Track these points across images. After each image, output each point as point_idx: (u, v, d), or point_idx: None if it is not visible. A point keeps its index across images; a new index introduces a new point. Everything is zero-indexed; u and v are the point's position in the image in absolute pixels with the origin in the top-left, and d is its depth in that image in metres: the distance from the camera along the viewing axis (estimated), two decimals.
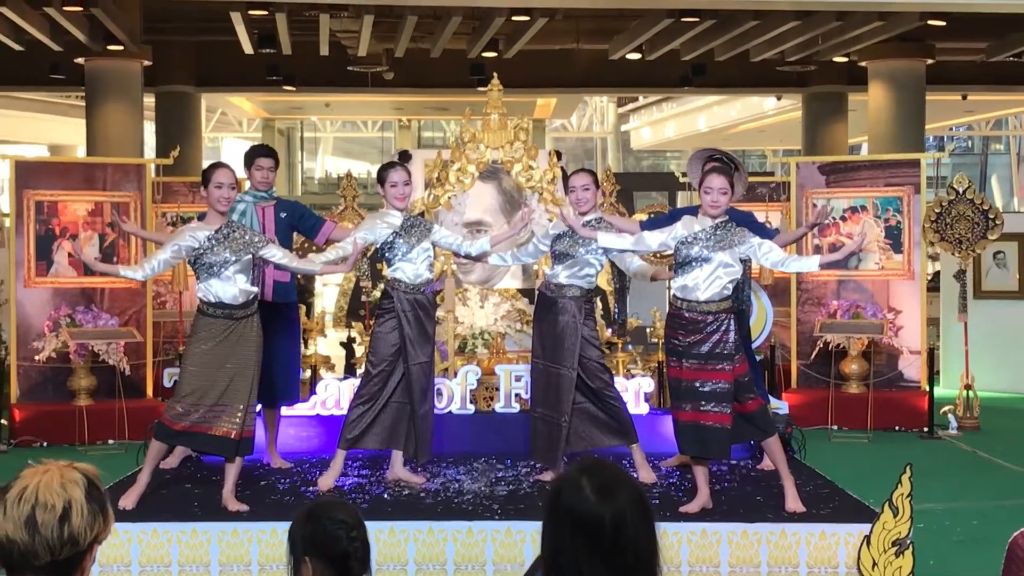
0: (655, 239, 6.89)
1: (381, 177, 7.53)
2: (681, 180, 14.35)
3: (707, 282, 6.63)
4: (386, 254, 7.45)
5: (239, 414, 6.71)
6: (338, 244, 7.44)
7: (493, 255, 7.85)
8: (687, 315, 6.66)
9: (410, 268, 7.36)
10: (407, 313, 7.33)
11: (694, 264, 6.64)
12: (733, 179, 6.88)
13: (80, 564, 2.54)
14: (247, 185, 8.09)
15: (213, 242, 6.74)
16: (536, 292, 7.83)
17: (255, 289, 6.95)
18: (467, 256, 7.82)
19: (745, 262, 7.33)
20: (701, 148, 8.52)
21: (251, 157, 8.02)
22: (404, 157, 10.47)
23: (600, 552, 2.47)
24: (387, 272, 7.53)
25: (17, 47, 16.68)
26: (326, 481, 7.26)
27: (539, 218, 9.63)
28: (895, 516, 5.84)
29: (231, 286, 6.75)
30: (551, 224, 7.85)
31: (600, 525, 2.47)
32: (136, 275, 7.03)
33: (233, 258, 6.75)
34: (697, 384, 6.63)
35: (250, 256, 6.84)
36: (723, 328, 6.63)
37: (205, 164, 22.24)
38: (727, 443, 6.68)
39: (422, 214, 8.15)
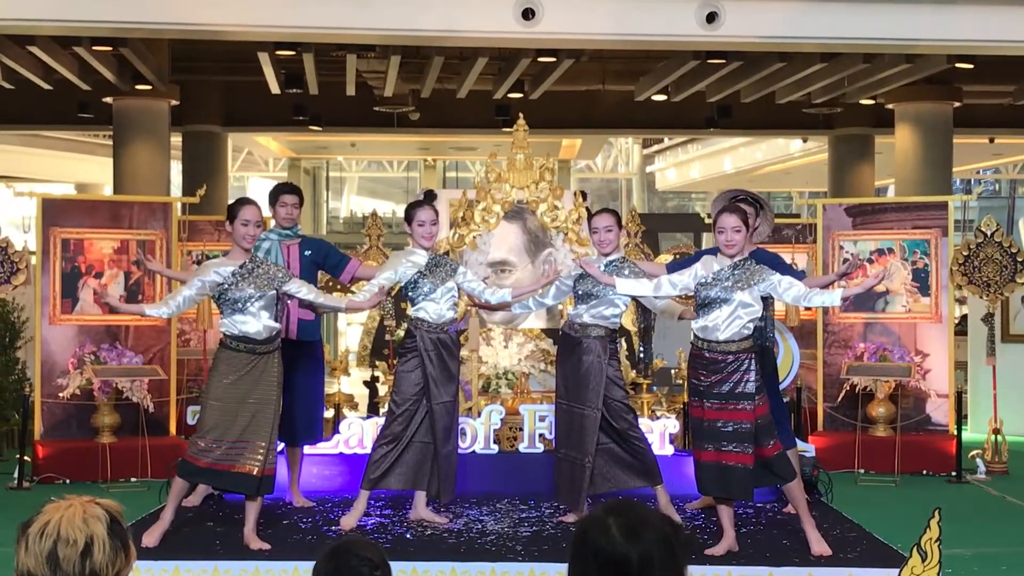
0: (675, 283, 6.87)
1: (409, 215, 7.52)
2: (706, 221, 14.30)
3: (727, 322, 6.60)
4: (409, 293, 7.44)
5: (261, 451, 6.69)
6: (366, 288, 7.43)
7: (516, 304, 7.83)
8: (707, 355, 6.64)
9: (433, 307, 7.35)
10: (429, 352, 7.31)
11: (714, 305, 6.63)
12: (749, 217, 6.85)
13: None
14: (272, 223, 8.11)
15: (237, 278, 6.74)
16: (560, 332, 7.79)
17: (278, 325, 6.95)
18: (486, 303, 7.80)
19: (767, 300, 7.30)
20: (727, 189, 8.50)
21: (275, 194, 8.05)
22: (429, 196, 10.47)
23: None
24: (410, 311, 7.51)
25: (46, 86, 16.80)
26: (349, 521, 7.22)
27: (564, 258, 9.60)
28: (923, 561, 5.76)
29: (255, 321, 6.75)
30: (573, 265, 7.84)
31: (627, 565, 2.43)
32: (161, 312, 7.02)
33: (257, 293, 6.75)
34: (719, 424, 6.59)
35: (274, 292, 6.84)
36: (744, 368, 6.59)
37: (231, 202, 22.31)
38: (749, 483, 6.62)
39: (447, 253, 8.13)
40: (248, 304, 6.73)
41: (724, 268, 6.66)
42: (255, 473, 6.67)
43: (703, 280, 6.68)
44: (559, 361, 7.63)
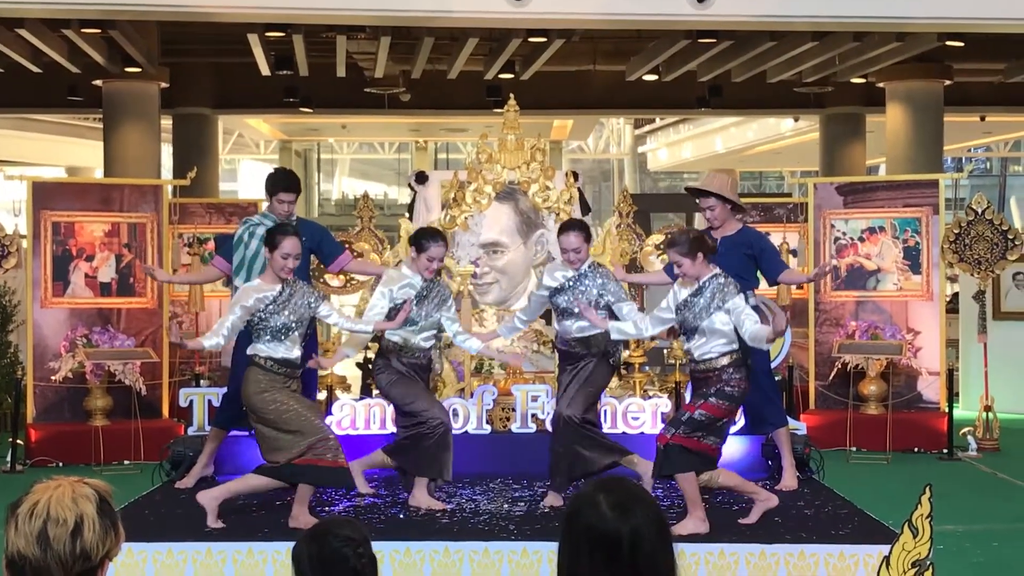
0: (663, 319, 6.93)
1: (421, 245, 7.36)
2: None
3: (700, 346, 6.67)
4: (391, 315, 7.41)
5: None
6: (369, 314, 7.35)
7: (503, 327, 7.82)
8: (694, 375, 6.74)
9: (410, 338, 7.35)
10: (402, 371, 7.33)
11: (690, 333, 6.71)
12: (686, 250, 6.75)
13: None
14: (263, 206, 8.12)
15: (278, 305, 6.74)
16: (556, 348, 7.73)
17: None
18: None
19: (750, 278, 7.57)
20: (688, 187, 8.57)
21: (274, 189, 8.02)
22: (421, 178, 10.44)
23: (618, 569, 2.44)
24: (386, 333, 7.45)
25: (35, 69, 16.74)
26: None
27: (555, 238, 9.59)
28: (915, 537, 5.78)
29: (296, 348, 6.79)
30: (544, 272, 7.77)
31: (617, 542, 2.44)
32: (216, 344, 6.80)
33: (297, 321, 6.76)
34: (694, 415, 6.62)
35: (310, 318, 6.89)
36: (725, 378, 6.61)
37: (224, 185, 22.14)
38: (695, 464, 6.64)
39: (438, 277, 7.88)
40: (289, 332, 6.74)
41: (689, 296, 6.72)
42: (343, 463, 6.71)
43: (678, 307, 6.75)
44: (561, 372, 7.65)
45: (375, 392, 9.77)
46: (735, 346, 6.67)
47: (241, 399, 6.86)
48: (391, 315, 7.33)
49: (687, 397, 6.86)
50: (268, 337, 6.74)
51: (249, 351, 6.84)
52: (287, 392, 6.73)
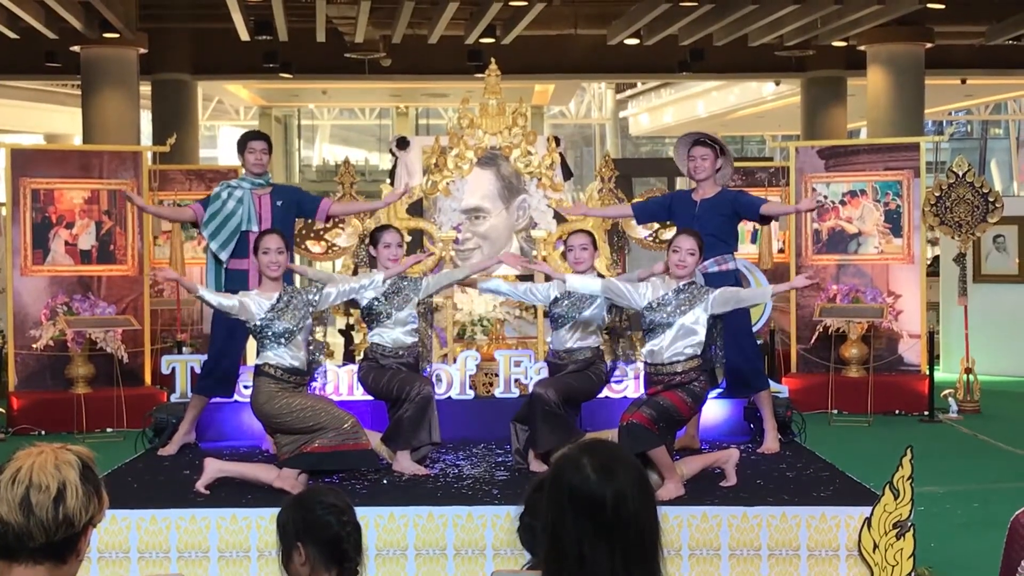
0: (625, 289, 6.87)
1: (374, 238, 7.52)
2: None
3: (670, 344, 6.64)
4: (365, 316, 7.42)
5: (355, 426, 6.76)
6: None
7: (498, 283, 7.75)
8: (656, 377, 6.68)
9: (388, 334, 7.37)
10: (391, 367, 7.32)
11: (658, 330, 6.68)
12: (702, 244, 6.82)
13: (75, 546, 2.52)
14: (243, 171, 8.11)
15: (277, 312, 6.70)
16: (546, 362, 7.72)
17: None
18: (463, 280, 7.82)
19: (728, 253, 7.78)
20: (688, 132, 8.50)
21: (243, 141, 8.08)
22: (402, 143, 10.42)
23: (601, 531, 2.44)
24: (367, 336, 7.47)
25: (12, 35, 16.63)
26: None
27: (537, 203, 9.58)
28: (896, 499, 5.82)
29: (301, 354, 6.77)
30: (550, 285, 7.73)
31: (601, 503, 2.45)
32: (204, 293, 6.79)
33: (298, 326, 6.73)
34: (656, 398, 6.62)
35: (311, 319, 6.85)
36: (691, 380, 6.61)
37: (204, 151, 21.97)
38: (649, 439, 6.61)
39: (405, 277, 7.84)
40: (291, 338, 6.71)
41: (668, 293, 6.71)
42: (365, 445, 6.73)
43: (650, 303, 6.72)
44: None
45: (358, 357, 9.79)
46: (700, 351, 6.69)
47: (252, 410, 6.84)
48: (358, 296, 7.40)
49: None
50: (272, 344, 6.72)
51: (257, 361, 6.85)
52: (295, 392, 6.72)
